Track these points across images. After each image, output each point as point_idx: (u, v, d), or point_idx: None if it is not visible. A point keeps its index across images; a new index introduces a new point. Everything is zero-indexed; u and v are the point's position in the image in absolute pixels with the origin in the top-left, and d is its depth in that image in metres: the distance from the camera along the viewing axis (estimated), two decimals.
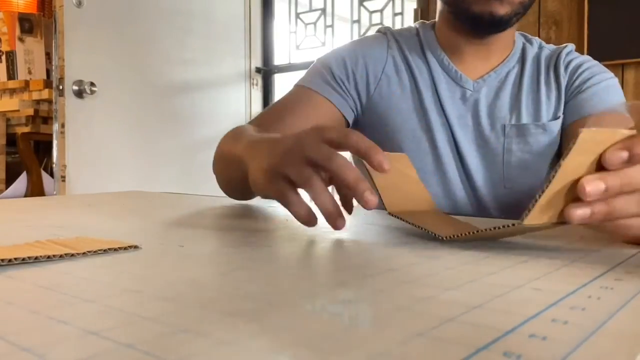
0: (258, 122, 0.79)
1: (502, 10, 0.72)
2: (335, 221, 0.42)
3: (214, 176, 0.78)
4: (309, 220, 0.44)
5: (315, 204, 0.43)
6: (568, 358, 0.17)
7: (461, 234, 0.40)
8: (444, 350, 0.18)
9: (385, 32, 0.87)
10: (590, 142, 0.33)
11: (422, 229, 0.43)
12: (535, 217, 0.34)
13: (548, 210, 0.34)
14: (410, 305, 0.23)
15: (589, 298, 0.25)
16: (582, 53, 0.84)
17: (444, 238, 0.41)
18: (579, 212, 0.33)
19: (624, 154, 0.33)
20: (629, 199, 0.33)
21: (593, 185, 0.32)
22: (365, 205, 0.40)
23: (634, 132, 0.34)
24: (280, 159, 0.44)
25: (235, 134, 0.67)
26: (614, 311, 0.23)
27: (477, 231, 0.39)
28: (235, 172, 0.59)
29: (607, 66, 0.83)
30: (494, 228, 0.37)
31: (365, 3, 2.53)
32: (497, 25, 0.75)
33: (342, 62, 0.82)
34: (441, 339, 0.19)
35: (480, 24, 0.75)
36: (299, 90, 0.82)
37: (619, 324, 0.21)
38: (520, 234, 0.43)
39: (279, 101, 0.83)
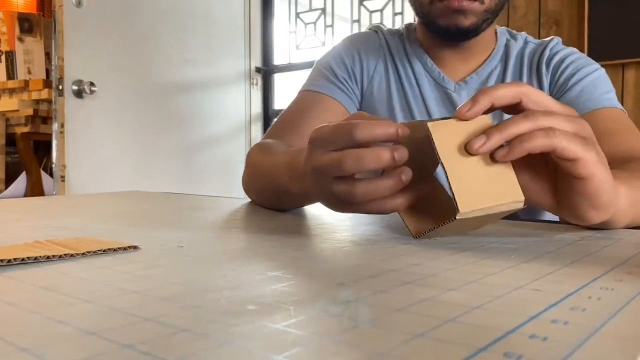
0: (273, 135, 0.79)
1: (467, 21, 0.72)
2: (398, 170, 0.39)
3: (213, 176, 0.78)
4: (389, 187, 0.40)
5: (365, 167, 0.39)
6: (569, 359, 0.17)
7: (425, 232, 0.42)
8: (445, 351, 0.18)
9: (376, 31, 0.88)
10: (445, 132, 0.38)
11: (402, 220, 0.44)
12: (466, 204, 0.37)
13: (473, 194, 0.37)
14: (410, 305, 0.23)
15: (590, 299, 0.25)
16: (582, 53, 0.82)
17: (415, 236, 0.43)
18: (478, 143, 0.37)
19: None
20: (516, 118, 0.37)
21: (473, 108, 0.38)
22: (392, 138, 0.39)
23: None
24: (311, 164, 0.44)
25: (265, 153, 0.68)
26: (615, 312, 0.22)
27: (438, 226, 0.40)
28: (279, 193, 0.59)
29: (607, 66, 0.82)
30: (443, 223, 0.39)
31: (365, 3, 2.53)
32: (466, 34, 0.75)
33: (342, 61, 0.84)
34: (441, 340, 0.19)
35: (449, 35, 0.76)
36: (306, 95, 0.82)
37: (619, 325, 0.21)
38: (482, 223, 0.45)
39: (288, 110, 0.83)
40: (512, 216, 0.68)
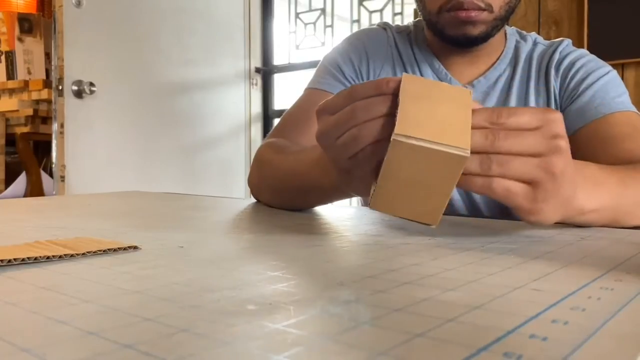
0: (278, 134, 0.79)
1: (476, 31, 0.71)
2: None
3: (213, 176, 0.78)
4: None
5: (377, 112, 0.40)
6: (569, 359, 0.17)
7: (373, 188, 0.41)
8: (445, 351, 0.18)
9: (385, 28, 0.87)
10: (417, 84, 0.38)
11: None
12: (404, 129, 0.36)
13: (417, 126, 0.36)
14: (410, 305, 0.23)
15: (589, 299, 0.25)
16: (592, 55, 0.80)
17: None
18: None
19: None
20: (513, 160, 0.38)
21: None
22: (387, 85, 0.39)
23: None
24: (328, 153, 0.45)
25: (281, 152, 0.69)
26: (615, 312, 0.22)
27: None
28: (305, 188, 0.60)
29: None
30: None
31: (365, 3, 2.53)
32: (475, 42, 0.74)
33: (349, 60, 0.83)
34: (441, 340, 0.19)
35: (458, 44, 0.75)
36: (313, 93, 0.82)
37: (619, 325, 0.21)
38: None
39: (294, 109, 0.82)
40: (513, 216, 0.68)
